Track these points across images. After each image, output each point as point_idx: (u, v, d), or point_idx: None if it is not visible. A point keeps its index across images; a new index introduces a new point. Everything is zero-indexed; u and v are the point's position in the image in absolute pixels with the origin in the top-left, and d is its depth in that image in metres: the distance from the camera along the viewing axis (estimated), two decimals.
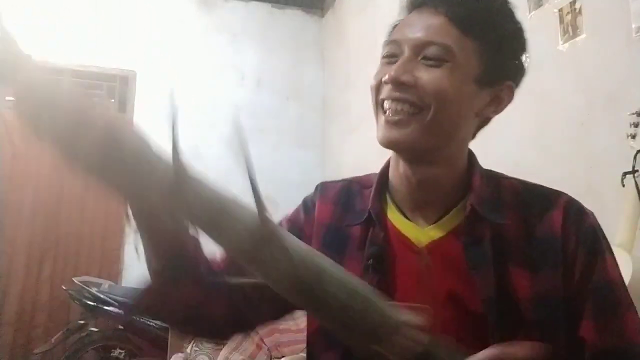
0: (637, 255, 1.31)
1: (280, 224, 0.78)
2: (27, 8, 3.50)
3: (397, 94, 0.64)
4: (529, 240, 0.66)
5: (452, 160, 0.71)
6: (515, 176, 0.75)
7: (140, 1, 3.81)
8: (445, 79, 0.63)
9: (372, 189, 0.73)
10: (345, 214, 0.75)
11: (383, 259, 0.69)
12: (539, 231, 0.67)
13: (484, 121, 0.73)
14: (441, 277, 0.67)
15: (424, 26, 0.65)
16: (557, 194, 0.70)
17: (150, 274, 0.72)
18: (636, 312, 0.65)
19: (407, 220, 0.71)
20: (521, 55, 0.73)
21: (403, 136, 0.65)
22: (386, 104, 0.66)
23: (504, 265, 0.65)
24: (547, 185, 0.74)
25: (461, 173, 0.72)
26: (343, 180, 0.81)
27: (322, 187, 0.80)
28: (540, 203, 0.69)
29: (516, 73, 0.72)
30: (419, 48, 0.64)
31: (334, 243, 0.73)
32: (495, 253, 0.65)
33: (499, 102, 0.70)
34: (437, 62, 0.64)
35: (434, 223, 0.70)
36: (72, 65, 3.58)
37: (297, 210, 0.82)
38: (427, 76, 0.63)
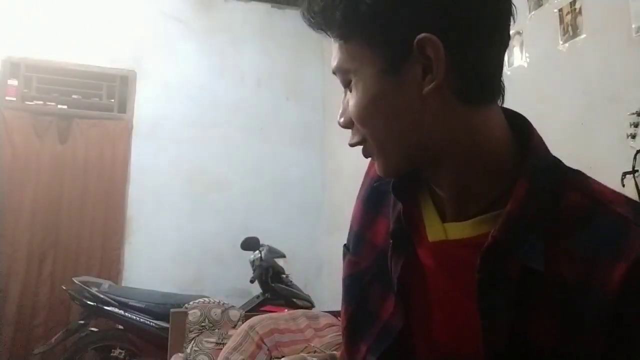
0: None
1: (364, 179, 0.74)
2: (27, 8, 3.50)
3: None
4: (571, 287, 0.50)
5: (451, 151, 0.55)
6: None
7: (140, 1, 3.82)
8: (355, 101, 0.56)
9: None
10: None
11: (401, 242, 0.61)
12: (586, 280, 0.49)
13: (455, 85, 0.52)
14: (437, 285, 0.59)
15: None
16: (637, 235, 0.48)
17: None
18: None
19: (432, 205, 0.61)
20: (374, 3, 0.51)
21: (379, 168, 0.59)
22: None
23: (527, 314, 0.51)
24: None
25: (492, 163, 0.55)
26: None
27: None
28: (604, 244, 0.49)
29: (421, 18, 0.51)
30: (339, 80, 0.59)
31: (373, 198, 0.69)
32: (520, 297, 0.51)
33: (430, 61, 0.51)
34: (348, 87, 0.58)
35: (461, 220, 0.57)
36: (72, 65, 3.58)
37: (369, 166, 0.75)
38: (349, 107, 0.58)
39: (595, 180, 0.56)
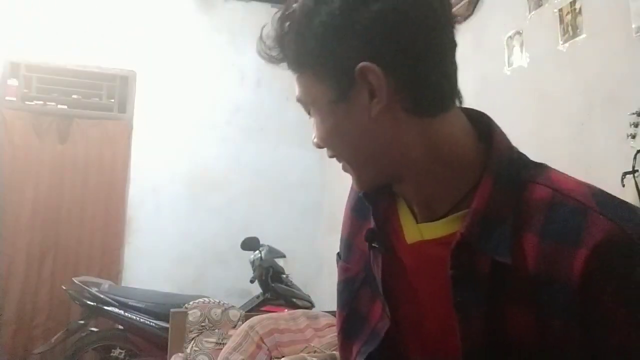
0: None
1: (351, 188, 0.77)
2: (27, 9, 3.50)
3: None
4: (538, 278, 0.52)
5: (412, 164, 0.58)
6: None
7: (140, 1, 3.82)
8: (316, 126, 0.62)
9: None
10: None
11: (379, 245, 0.64)
12: (550, 270, 0.51)
13: (404, 104, 0.56)
14: (417, 285, 0.61)
15: None
16: (599, 221, 0.50)
17: None
18: None
19: (407, 209, 0.64)
20: (350, 27, 0.54)
21: (354, 183, 0.65)
22: None
23: (501, 306, 0.53)
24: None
25: (456, 169, 0.58)
26: None
27: None
28: (565, 231, 0.51)
29: (359, 49, 0.54)
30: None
31: (358, 205, 0.73)
32: (492, 290, 0.53)
33: (374, 88, 0.55)
34: (310, 115, 0.63)
35: (434, 220, 0.60)
36: (72, 65, 3.58)
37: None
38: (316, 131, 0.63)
39: (559, 172, 0.58)
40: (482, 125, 0.61)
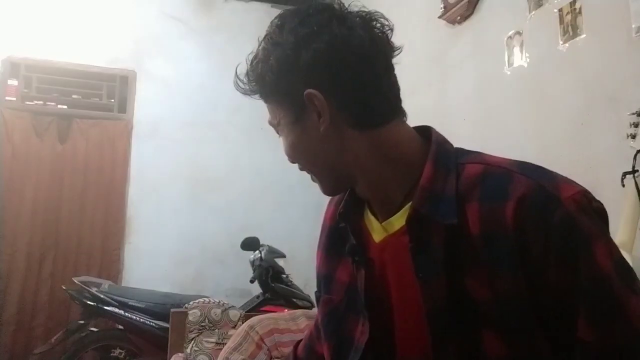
0: (637, 255, 1.32)
1: (322, 231, 0.87)
2: (27, 8, 3.50)
3: None
4: (483, 235, 0.60)
5: (364, 171, 0.69)
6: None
7: (140, 1, 3.82)
8: (283, 143, 0.75)
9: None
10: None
11: (359, 255, 0.71)
12: (492, 226, 0.60)
13: (348, 121, 0.68)
14: (391, 277, 0.68)
15: None
16: (519, 180, 0.60)
17: None
18: None
19: (371, 215, 0.73)
20: (296, 64, 0.67)
21: (322, 190, 0.77)
22: None
23: (459, 268, 0.61)
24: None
25: (403, 166, 0.68)
26: None
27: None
28: (496, 192, 0.61)
29: (303, 79, 0.67)
30: None
31: (333, 242, 0.81)
32: (448, 256, 0.61)
33: (320, 110, 0.67)
34: (279, 134, 0.76)
35: (388, 218, 0.70)
36: (72, 65, 3.58)
37: (324, 217, 0.90)
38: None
39: (492, 155, 0.68)
40: (424, 131, 0.72)
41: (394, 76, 0.71)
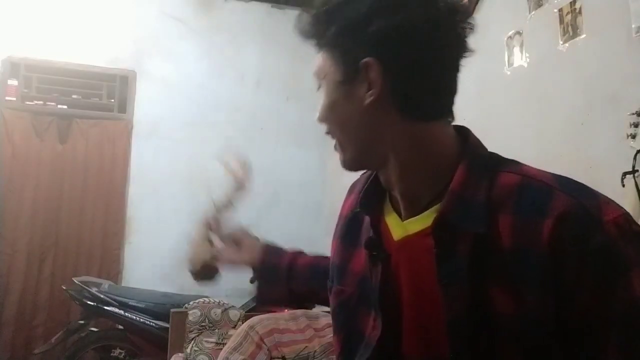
0: None
1: (338, 219, 0.85)
2: (27, 8, 3.50)
3: None
4: (514, 250, 0.57)
5: (395, 156, 0.65)
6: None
7: (140, 1, 3.81)
8: (322, 101, 0.70)
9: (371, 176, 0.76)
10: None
11: (377, 250, 0.69)
12: (526, 241, 0.57)
13: (396, 102, 0.63)
14: (404, 278, 0.65)
15: None
16: (561, 198, 0.57)
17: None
18: None
19: (393, 211, 0.70)
20: (368, 25, 0.62)
21: (340, 159, 0.72)
22: None
23: (483, 279, 0.58)
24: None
25: (437, 165, 0.65)
26: None
27: (354, 183, 0.85)
28: (533, 207, 0.58)
29: (370, 45, 0.63)
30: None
31: (349, 232, 0.78)
32: (473, 267, 0.58)
33: (372, 82, 0.63)
34: (319, 89, 0.71)
35: (412, 217, 0.66)
36: (72, 65, 3.58)
37: (342, 205, 0.86)
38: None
39: (526, 165, 0.65)
40: (462, 132, 0.69)
41: (457, 77, 0.67)
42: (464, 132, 0.69)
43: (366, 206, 0.72)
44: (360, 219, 0.75)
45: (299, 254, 0.96)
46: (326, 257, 0.88)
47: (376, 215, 0.71)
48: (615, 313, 0.54)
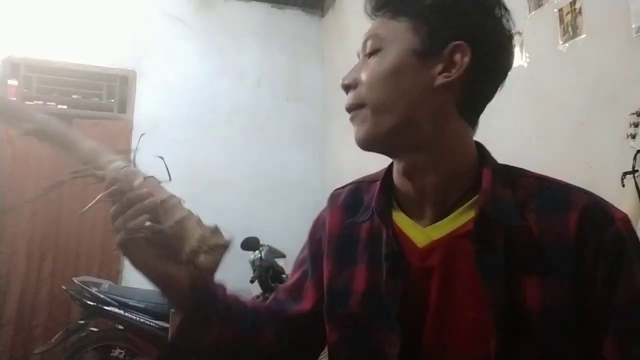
0: None
1: (305, 244, 0.82)
2: (27, 8, 3.50)
3: (347, 96, 0.68)
4: (542, 244, 0.60)
5: (434, 143, 0.65)
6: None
7: (140, 1, 3.81)
8: (376, 64, 0.65)
9: (377, 186, 0.72)
10: (354, 215, 0.74)
11: (397, 261, 0.66)
12: (552, 235, 0.60)
13: (459, 95, 0.64)
14: (442, 281, 0.63)
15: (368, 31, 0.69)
16: (577, 195, 0.62)
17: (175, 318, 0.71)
18: None
19: (408, 219, 0.68)
20: (468, 13, 0.64)
21: (362, 132, 0.66)
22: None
23: (516, 273, 0.60)
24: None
25: (464, 166, 0.66)
26: (352, 182, 0.80)
27: (331, 197, 0.81)
28: (556, 204, 0.62)
29: (466, 31, 0.63)
30: (364, 49, 0.68)
31: (343, 250, 0.73)
32: (508, 260, 0.60)
33: (454, 64, 0.63)
34: (373, 53, 0.66)
35: (434, 223, 0.66)
36: (72, 65, 3.58)
37: (311, 232, 0.82)
38: (365, 71, 0.66)
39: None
40: (480, 148, 0.71)
41: None
42: (480, 148, 0.71)
43: (383, 214, 0.69)
44: (356, 233, 0.72)
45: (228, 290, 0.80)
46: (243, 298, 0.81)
47: (392, 225, 0.68)
48: (615, 304, 0.57)
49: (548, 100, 1.93)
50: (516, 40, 2.11)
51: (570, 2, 1.83)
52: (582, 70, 1.78)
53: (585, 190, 0.64)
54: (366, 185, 0.77)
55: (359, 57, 0.70)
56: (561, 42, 1.87)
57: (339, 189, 0.81)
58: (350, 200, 0.76)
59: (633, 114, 1.51)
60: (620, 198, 1.47)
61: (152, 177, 0.75)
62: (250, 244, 2.92)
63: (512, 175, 0.66)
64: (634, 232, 0.61)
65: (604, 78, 1.68)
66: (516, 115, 2.09)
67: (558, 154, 1.84)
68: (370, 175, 0.78)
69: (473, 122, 0.68)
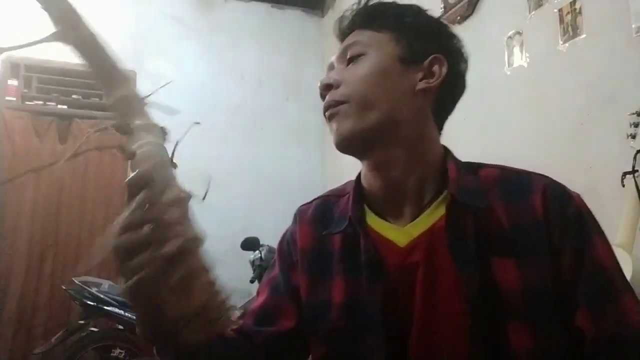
0: (637, 255, 1.31)
1: (274, 263, 0.81)
2: (27, 8, 3.50)
3: (325, 95, 0.72)
4: (512, 228, 0.64)
5: (414, 143, 0.70)
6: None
7: (140, 1, 3.81)
8: (360, 66, 0.70)
9: (350, 196, 0.73)
10: (324, 229, 0.75)
11: (378, 267, 0.67)
12: (521, 217, 0.64)
13: (434, 101, 0.72)
14: (426, 276, 0.64)
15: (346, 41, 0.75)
16: (537, 178, 0.68)
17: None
18: (634, 295, 0.62)
19: (384, 222, 0.71)
20: (441, 34, 0.75)
21: (345, 127, 0.68)
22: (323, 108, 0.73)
23: (489, 257, 0.63)
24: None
25: (432, 165, 0.71)
26: (318, 197, 0.82)
27: (299, 213, 0.81)
28: (518, 188, 0.67)
29: (442, 47, 0.72)
30: (342, 56, 0.73)
31: (318, 264, 0.73)
32: (479, 245, 0.63)
33: (432, 74, 0.70)
34: (356, 58, 0.71)
35: (412, 221, 0.69)
36: (72, 65, 3.58)
37: (280, 248, 0.82)
38: (347, 73, 0.71)
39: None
40: (445, 148, 0.76)
41: None
42: (445, 148, 0.77)
43: (360, 221, 0.70)
44: (329, 246, 0.72)
45: None
46: None
47: (368, 230, 0.70)
48: (583, 273, 0.62)
49: (548, 100, 1.93)
50: (516, 40, 2.11)
51: (570, 2, 1.83)
52: (582, 70, 1.78)
53: (541, 173, 0.70)
54: (334, 199, 0.78)
55: (332, 67, 0.75)
56: (561, 42, 1.87)
57: (305, 204, 0.82)
58: (320, 214, 0.77)
59: (633, 114, 1.51)
60: (620, 198, 1.48)
61: (188, 193, 0.65)
62: (250, 244, 2.92)
63: (474, 167, 0.72)
64: (588, 207, 0.67)
65: (604, 78, 1.69)
66: (516, 115, 2.09)
67: (558, 154, 1.84)
68: (334, 189, 0.81)
69: (441, 128, 0.76)
